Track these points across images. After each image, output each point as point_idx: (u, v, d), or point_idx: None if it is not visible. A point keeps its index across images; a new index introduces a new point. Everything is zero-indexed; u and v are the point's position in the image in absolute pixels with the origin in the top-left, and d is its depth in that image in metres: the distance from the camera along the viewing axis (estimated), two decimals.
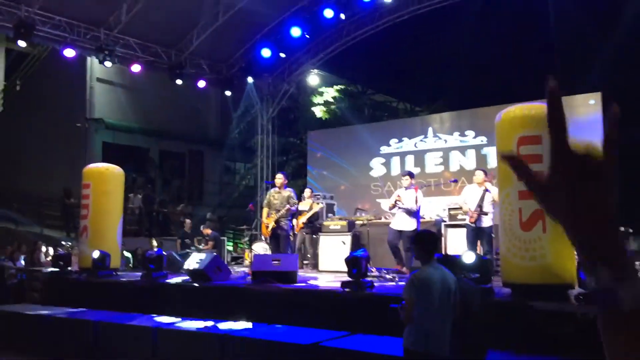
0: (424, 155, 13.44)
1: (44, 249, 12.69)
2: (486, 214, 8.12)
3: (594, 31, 12.60)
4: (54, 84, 18.48)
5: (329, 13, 12.55)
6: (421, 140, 13.56)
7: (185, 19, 12.89)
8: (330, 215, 11.33)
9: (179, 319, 6.95)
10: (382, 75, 20.46)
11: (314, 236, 10.53)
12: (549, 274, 5.41)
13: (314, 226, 10.53)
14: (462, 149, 12.93)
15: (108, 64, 12.51)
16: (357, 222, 10.40)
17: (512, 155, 0.69)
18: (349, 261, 6.53)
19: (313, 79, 16.23)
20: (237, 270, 10.21)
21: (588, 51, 12.80)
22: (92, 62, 17.07)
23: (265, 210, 9.24)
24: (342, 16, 12.89)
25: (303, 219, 10.16)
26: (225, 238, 14.83)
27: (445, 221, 9.53)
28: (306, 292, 6.94)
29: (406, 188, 8.95)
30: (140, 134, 18.91)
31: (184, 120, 19.82)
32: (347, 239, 9.74)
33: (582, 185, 0.64)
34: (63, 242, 13.67)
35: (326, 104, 19.86)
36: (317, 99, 19.55)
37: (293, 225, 9.77)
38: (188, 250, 11.46)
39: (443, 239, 9.24)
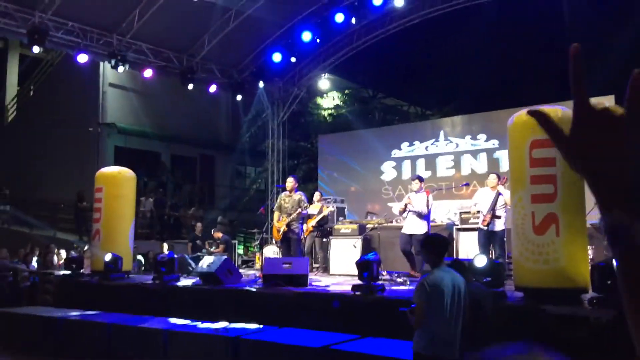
0: (435, 159, 13.39)
1: (59, 252, 12.80)
2: (499, 217, 8.07)
3: (608, 33, 12.51)
4: (66, 89, 18.68)
5: (339, 17, 12.56)
6: (432, 144, 13.52)
7: (197, 24, 12.97)
8: (341, 218, 11.32)
9: (190, 322, 6.97)
10: (393, 79, 20.44)
11: (324, 240, 10.53)
12: (562, 277, 5.36)
13: (324, 230, 10.53)
14: (474, 153, 12.87)
15: (120, 69, 12.62)
16: (368, 225, 10.38)
17: (538, 110, 0.74)
18: (359, 264, 6.52)
19: (324, 83, 16.26)
20: (248, 273, 10.23)
21: (601, 53, 12.70)
22: (104, 67, 17.23)
23: (276, 214, 9.26)
24: (353, 20, 12.88)
25: (312, 222, 10.17)
26: (236, 241, 14.87)
27: (456, 225, 9.48)
28: (317, 296, 6.93)
29: (416, 192, 8.93)
30: (152, 138, 19.05)
31: (195, 124, 19.93)
32: (358, 242, 9.73)
33: (604, 135, 0.69)
34: (75, 245, 13.78)
35: (330, 108, 19.90)
36: (322, 102, 19.56)
37: (304, 229, 9.78)
38: (199, 254, 11.50)
39: (455, 242, 9.19)
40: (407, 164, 13.78)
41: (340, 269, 9.76)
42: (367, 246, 9.84)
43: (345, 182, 14.74)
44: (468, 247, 8.80)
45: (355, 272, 6.63)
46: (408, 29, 13.23)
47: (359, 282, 6.45)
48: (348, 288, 6.64)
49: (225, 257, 9.10)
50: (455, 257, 8.38)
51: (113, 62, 12.44)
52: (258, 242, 13.57)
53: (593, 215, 6.17)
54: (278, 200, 9.50)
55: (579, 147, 0.70)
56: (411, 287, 6.92)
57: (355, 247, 9.63)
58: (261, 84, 14.82)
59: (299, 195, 9.08)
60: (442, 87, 17.95)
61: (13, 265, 11.17)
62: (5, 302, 9.39)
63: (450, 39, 15.89)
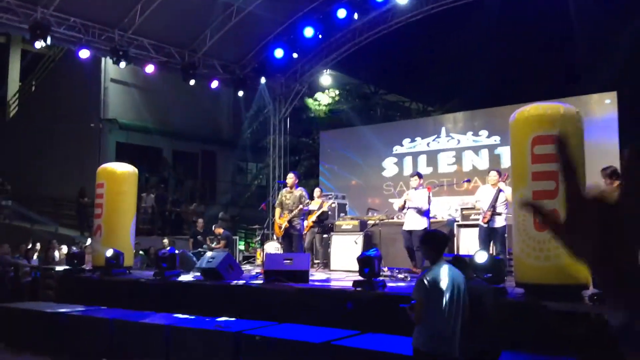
0: (436, 155, 13.38)
1: (60, 247, 12.82)
2: (499, 214, 8.08)
3: (610, 30, 12.47)
4: (68, 84, 18.69)
5: (342, 13, 12.54)
6: (434, 140, 13.50)
7: (199, 20, 12.95)
8: (342, 214, 11.33)
9: (192, 317, 6.98)
10: (395, 75, 20.41)
11: (325, 235, 10.54)
12: (563, 274, 5.35)
13: (325, 225, 10.53)
14: (476, 149, 12.85)
15: (122, 64, 12.61)
16: (369, 221, 10.39)
17: (532, 203, 0.72)
18: (361, 260, 6.52)
19: (325, 79, 16.24)
20: (249, 269, 10.24)
21: (604, 50, 12.67)
22: (106, 62, 17.24)
23: (277, 211, 9.26)
24: (355, 16, 12.87)
25: (312, 217, 10.18)
26: (237, 237, 14.88)
27: (457, 221, 9.49)
28: (318, 291, 6.94)
29: (415, 188, 8.93)
30: (153, 134, 19.06)
31: (196, 120, 19.93)
32: (359, 238, 9.74)
33: (599, 228, 0.66)
34: (77, 241, 13.81)
35: (328, 104, 19.85)
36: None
37: (305, 225, 9.79)
38: (200, 249, 11.53)
39: (455, 239, 9.20)
40: (408, 160, 13.77)
41: (341, 265, 9.77)
42: (368, 242, 9.85)
43: (346, 176, 14.73)
44: (469, 244, 8.81)
45: (356, 268, 6.63)
46: (410, 25, 13.20)
47: (360, 278, 6.45)
48: (349, 284, 6.65)
49: (226, 252, 9.11)
50: (456, 253, 8.39)
51: (115, 57, 12.45)
52: (259, 238, 13.59)
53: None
54: (279, 196, 9.50)
55: (572, 238, 0.69)
56: (412, 284, 6.92)
57: (356, 243, 9.64)
58: (263, 80, 14.81)
59: (300, 191, 9.08)
60: (444, 84, 17.92)
61: (14, 260, 11.20)
62: (7, 298, 9.42)
63: (452, 36, 15.85)
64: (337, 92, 19.91)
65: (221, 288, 7.58)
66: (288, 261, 7.53)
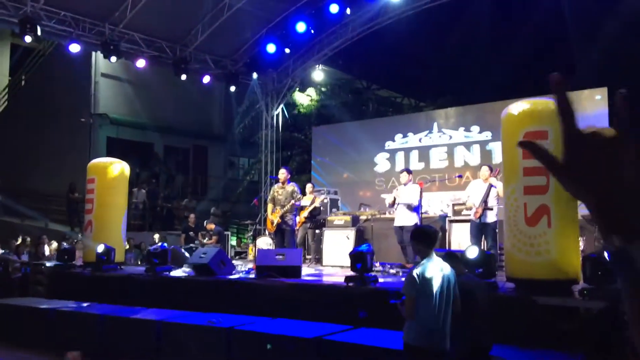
0: (428, 150, 13.41)
1: (50, 243, 12.75)
2: (491, 209, 8.12)
3: (601, 27, 12.52)
4: (59, 79, 18.53)
5: (334, 8, 12.51)
6: (426, 136, 13.54)
7: (190, 14, 12.87)
8: (334, 210, 11.33)
9: (183, 313, 6.97)
10: (387, 70, 20.40)
11: (317, 231, 10.54)
12: (554, 269, 5.39)
13: (317, 221, 10.53)
14: (467, 145, 12.90)
15: (113, 59, 12.53)
16: (361, 217, 10.40)
17: (528, 141, 0.74)
18: (353, 256, 6.53)
19: (318, 74, 16.21)
20: (241, 264, 10.23)
21: (594, 46, 12.72)
22: (97, 57, 17.11)
23: (270, 206, 9.25)
24: (348, 11, 12.84)
25: (305, 213, 10.18)
26: (229, 233, 14.86)
27: (449, 216, 9.52)
28: (310, 287, 6.95)
29: (404, 184, 8.96)
30: (144, 129, 18.96)
31: (188, 115, 19.85)
32: (351, 234, 9.75)
33: (597, 158, 0.68)
34: (67, 236, 13.73)
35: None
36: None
37: (297, 221, 9.78)
38: (192, 245, 11.49)
39: (447, 234, 9.23)
40: (400, 156, 13.80)
41: (333, 260, 9.78)
42: (360, 237, 9.86)
43: (338, 170, 14.74)
44: (460, 239, 8.85)
45: (348, 263, 6.64)
46: (402, 21, 13.19)
47: (352, 273, 6.46)
48: (341, 279, 6.66)
49: (218, 248, 9.09)
50: (447, 248, 8.42)
51: (105, 52, 12.36)
52: (251, 233, 13.58)
53: (585, 207, 6.19)
54: (271, 192, 9.49)
55: (572, 173, 0.70)
56: (404, 279, 6.94)
57: (348, 238, 9.65)
58: (255, 75, 14.76)
59: (292, 187, 9.07)
60: (436, 79, 17.94)
61: (4, 256, 11.12)
62: None
63: (444, 31, 15.86)
64: (322, 89, 19.83)
65: (213, 284, 7.57)
66: (280, 257, 7.53)
